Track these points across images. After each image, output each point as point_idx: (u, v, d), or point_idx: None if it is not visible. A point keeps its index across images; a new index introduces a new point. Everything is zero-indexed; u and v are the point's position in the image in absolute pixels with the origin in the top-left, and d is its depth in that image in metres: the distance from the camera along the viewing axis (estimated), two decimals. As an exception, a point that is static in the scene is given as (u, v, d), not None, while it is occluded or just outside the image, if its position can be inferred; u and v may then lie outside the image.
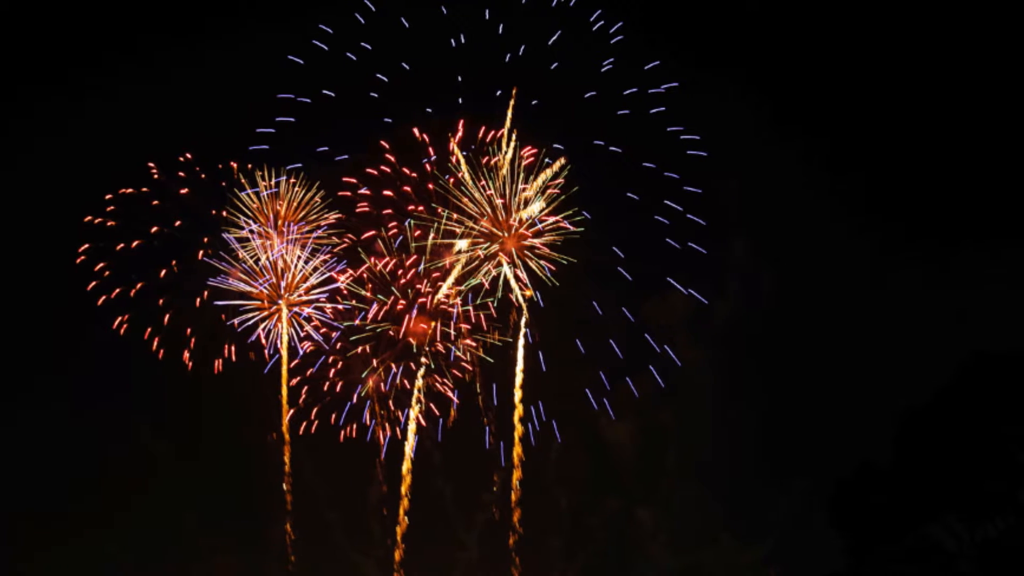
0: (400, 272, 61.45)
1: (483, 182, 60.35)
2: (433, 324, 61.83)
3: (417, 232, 60.76)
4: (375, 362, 61.88)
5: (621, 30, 61.93)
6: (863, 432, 57.98)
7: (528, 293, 61.09)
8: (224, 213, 62.35)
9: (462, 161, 60.49)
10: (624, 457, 64.30)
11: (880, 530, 51.58)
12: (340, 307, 62.02)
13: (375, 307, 61.44)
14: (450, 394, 62.37)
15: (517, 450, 61.59)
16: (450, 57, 61.16)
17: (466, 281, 61.20)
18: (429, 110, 61.06)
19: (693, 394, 62.87)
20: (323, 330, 62.30)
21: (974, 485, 49.72)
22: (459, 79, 60.78)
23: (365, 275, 61.65)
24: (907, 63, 65.63)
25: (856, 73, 64.93)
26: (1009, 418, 50.68)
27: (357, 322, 61.65)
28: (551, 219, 60.40)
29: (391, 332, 61.70)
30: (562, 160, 60.25)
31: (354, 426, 61.60)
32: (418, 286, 61.45)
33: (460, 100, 61.14)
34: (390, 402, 62.21)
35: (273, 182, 62.19)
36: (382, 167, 61.14)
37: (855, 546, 52.77)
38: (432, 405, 62.41)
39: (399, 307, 61.50)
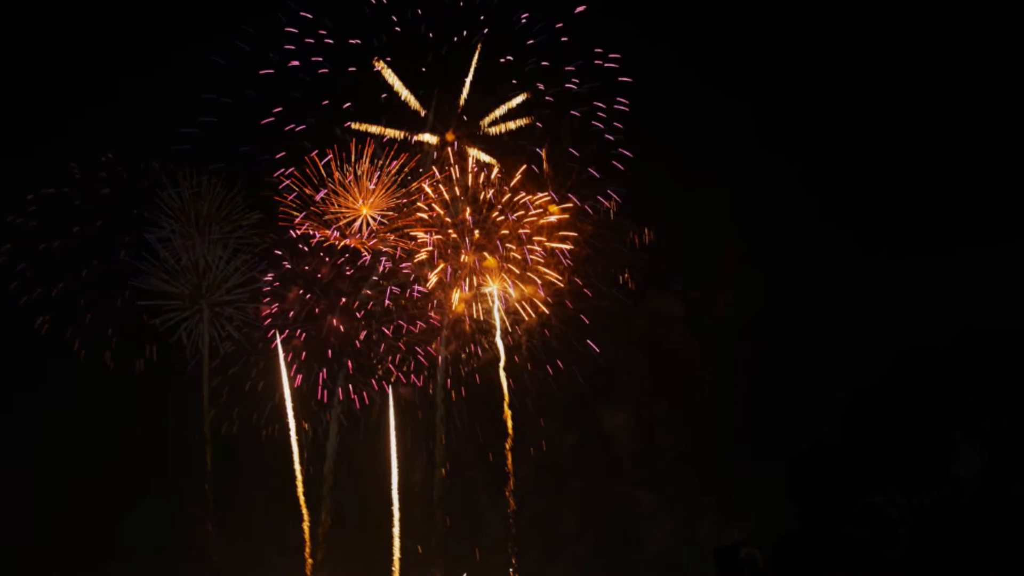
0: (322, 271, 61.51)
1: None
2: (357, 323, 61.88)
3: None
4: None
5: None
6: (816, 413, 60.43)
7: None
8: (146, 213, 62.23)
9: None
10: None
11: (830, 498, 56.97)
12: (262, 307, 61.90)
13: (298, 306, 61.51)
14: (373, 394, 62.58)
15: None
16: (373, 56, 61.32)
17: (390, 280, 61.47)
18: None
19: None
20: (245, 330, 62.21)
21: (912, 460, 55.52)
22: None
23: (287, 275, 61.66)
24: (855, 68, 66.52)
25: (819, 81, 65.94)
26: (942, 401, 56.10)
27: (280, 322, 61.62)
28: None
29: (314, 332, 61.74)
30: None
31: (276, 426, 61.58)
32: (340, 285, 61.57)
33: (383, 98, 61.59)
34: (312, 402, 62.24)
35: (195, 182, 62.03)
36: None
37: (808, 512, 58.21)
38: (355, 403, 62.64)
39: (321, 306, 61.55)
